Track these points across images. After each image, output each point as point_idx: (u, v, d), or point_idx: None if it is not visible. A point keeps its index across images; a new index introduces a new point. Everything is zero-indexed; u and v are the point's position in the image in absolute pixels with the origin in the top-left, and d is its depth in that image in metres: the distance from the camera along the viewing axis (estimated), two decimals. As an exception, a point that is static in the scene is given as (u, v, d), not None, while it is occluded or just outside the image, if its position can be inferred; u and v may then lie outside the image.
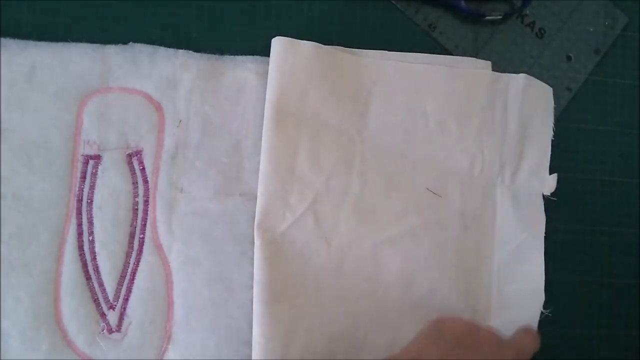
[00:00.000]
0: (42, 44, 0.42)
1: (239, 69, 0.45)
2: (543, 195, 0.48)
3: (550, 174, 0.49)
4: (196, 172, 0.44)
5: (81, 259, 0.42)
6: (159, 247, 0.43)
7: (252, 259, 0.43)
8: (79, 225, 0.42)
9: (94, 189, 0.42)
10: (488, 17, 0.49)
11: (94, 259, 0.42)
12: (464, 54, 0.49)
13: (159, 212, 0.43)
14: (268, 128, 0.43)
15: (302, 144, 0.44)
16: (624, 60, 0.52)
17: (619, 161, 0.51)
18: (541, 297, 0.47)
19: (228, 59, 0.45)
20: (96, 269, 0.42)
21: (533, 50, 0.50)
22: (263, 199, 0.43)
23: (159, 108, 0.43)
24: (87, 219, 0.42)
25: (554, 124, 0.49)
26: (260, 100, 0.44)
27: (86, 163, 0.42)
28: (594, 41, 0.51)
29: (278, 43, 0.44)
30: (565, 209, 0.50)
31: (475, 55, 0.49)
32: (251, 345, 0.42)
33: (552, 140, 0.49)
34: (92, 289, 0.42)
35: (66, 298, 0.41)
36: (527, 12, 0.50)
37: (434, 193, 0.46)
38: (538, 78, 0.49)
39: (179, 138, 0.44)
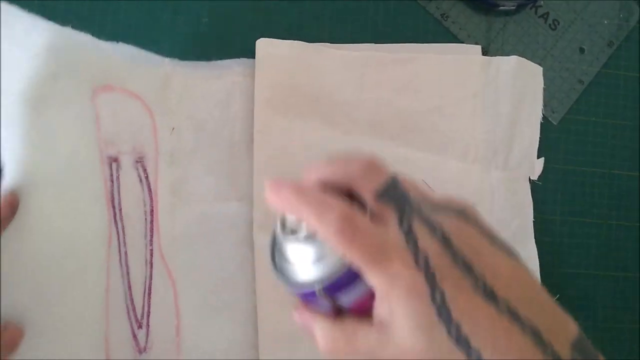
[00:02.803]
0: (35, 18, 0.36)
1: (227, 73, 0.43)
2: (530, 180, 0.48)
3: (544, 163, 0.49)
4: (193, 179, 0.42)
5: (122, 273, 0.39)
6: (162, 257, 0.41)
7: (254, 262, 0.42)
8: (118, 235, 0.39)
9: (119, 194, 0.40)
10: (501, 7, 0.48)
11: (127, 273, 0.39)
12: (476, 44, 0.48)
13: (161, 221, 0.41)
14: (258, 129, 0.43)
15: (295, 142, 0.43)
16: (638, 54, 0.52)
17: (629, 155, 0.51)
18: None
19: (214, 64, 0.43)
20: (129, 285, 0.39)
21: (546, 41, 0.50)
22: (259, 201, 0.42)
23: (151, 115, 0.41)
24: (121, 227, 0.39)
25: (565, 116, 0.49)
26: (250, 101, 0.43)
27: (110, 165, 0.39)
28: (608, 34, 0.51)
29: (262, 45, 0.43)
30: (572, 201, 0.50)
31: (488, 46, 0.49)
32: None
33: (558, 133, 0.49)
34: (127, 308, 0.39)
35: (114, 321, 0.38)
36: (541, 3, 0.50)
37: (429, 186, 0.46)
38: (550, 70, 0.49)
39: (174, 145, 0.42)
